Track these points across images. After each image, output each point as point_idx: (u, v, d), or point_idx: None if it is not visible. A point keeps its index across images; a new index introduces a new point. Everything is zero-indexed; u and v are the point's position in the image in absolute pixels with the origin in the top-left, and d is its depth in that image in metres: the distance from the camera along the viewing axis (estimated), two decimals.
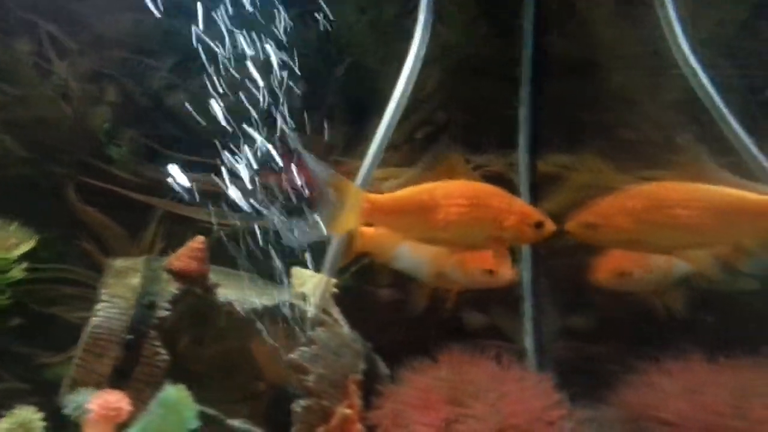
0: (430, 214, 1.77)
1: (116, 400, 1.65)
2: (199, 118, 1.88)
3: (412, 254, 1.99)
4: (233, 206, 1.89)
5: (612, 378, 1.94)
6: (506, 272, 1.92)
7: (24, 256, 2.12)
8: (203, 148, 1.90)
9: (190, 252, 1.92)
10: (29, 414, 1.71)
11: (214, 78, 1.82)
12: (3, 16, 2.18)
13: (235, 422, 1.89)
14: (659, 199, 1.75)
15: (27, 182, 2.24)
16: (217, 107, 1.83)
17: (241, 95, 1.83)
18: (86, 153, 2.19)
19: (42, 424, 1.72)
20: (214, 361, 2.15)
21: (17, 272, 2.11)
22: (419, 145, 2.32)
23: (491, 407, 1.76)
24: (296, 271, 2.07)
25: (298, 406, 1.87)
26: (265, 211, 1.87)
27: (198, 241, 1.93)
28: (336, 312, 2.10)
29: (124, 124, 2.20)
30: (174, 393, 1.57)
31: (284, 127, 1.84)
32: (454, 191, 1.78)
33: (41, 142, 2.17)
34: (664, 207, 1.73)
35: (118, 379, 1.79)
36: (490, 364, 1.91)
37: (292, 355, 1.89)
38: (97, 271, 2.02)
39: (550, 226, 1.79)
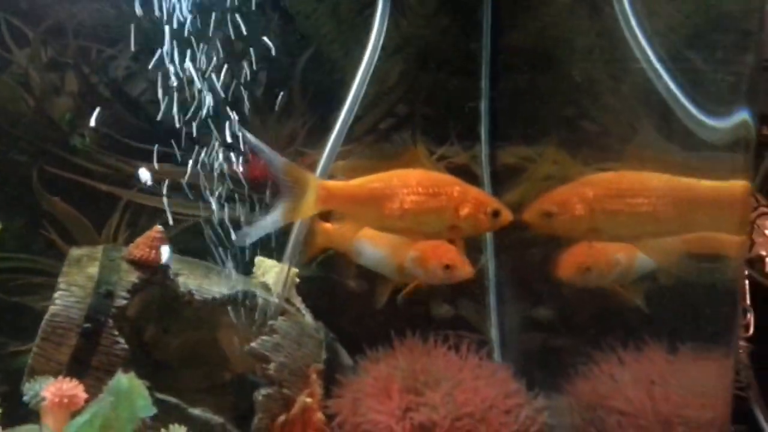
0: (387, 202, 1.77)
1: (70, 387, 1.63)
2: (160, 108, 1.88)
3: (371, 249, 1.99)
4: (196, 196, 1.89)
5: (575, 368, 1.95)
6: (465, 268, 1.93)
7: None
8: (165, 138, 1.89)
9: (148, 241, 1.91)
10: None
11: (174, 68, 1.82)
12: None
13: (196, 411, 1.89)
14: (617, 187, 1.74)
15: None
16: (176, 97, 1.83)
17: (202, 85, 1.83)
18: (49, 143, 2.19)
19: None
20: (180, 351, 2.16)
21: None
22: (383, 137, 2.32)
23: (446, 396, 1.78)
24: (259, 260, 2.08)
25: (260, 394, 1.88)
26: (227, 202, 1.88)
27: (156, 230, 1.93)
28: (298, 302, 2.10)
29: (87, 114, 2.20)
30: (125, 381, 1.56)
31: (242, 117, 1.84)
32: (410, 180, 1.78)
33: (3, 131, 2.17)
34: (622, 195, 1.72)
35: (77, 368, 1.79)
36: (448, 353, 1.93)
37: (254, 344, 1.90)
38: (63, 261, 2.02)
39: (507, 215, 1.79)
